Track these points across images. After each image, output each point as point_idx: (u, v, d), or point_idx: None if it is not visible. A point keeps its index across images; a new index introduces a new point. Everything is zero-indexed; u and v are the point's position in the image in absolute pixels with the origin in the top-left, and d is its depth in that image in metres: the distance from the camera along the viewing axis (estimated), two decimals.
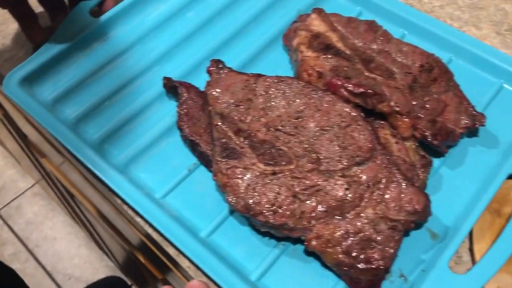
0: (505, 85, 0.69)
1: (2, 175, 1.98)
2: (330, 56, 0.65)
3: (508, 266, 0.55)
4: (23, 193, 1.96)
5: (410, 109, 0.61)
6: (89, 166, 0.61)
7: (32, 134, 0.95)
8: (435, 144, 0.60)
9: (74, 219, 1.69)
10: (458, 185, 0.61)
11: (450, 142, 0.62)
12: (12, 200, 1.93)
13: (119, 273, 1.70)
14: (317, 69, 0.63)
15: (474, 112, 0.63)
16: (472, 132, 0.65)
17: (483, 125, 0.62)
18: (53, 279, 1.76)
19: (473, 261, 0.56)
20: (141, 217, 0.60)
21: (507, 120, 0.66)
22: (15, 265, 1.73)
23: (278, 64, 0.72)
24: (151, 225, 0.59)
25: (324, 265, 0.55)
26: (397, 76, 0.64)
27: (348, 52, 0.66)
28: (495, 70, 0.69)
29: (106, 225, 0.99)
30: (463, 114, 0.63)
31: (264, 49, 0.73)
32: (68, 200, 1.35)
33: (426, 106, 0.62)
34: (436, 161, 0.63)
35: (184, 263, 0.57)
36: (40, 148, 1.04)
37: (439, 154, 0.63)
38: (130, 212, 0.61)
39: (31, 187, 1.97)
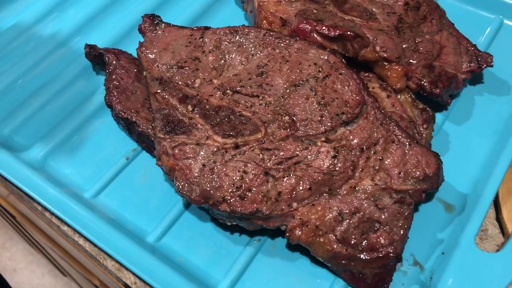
0: (506, 21, 0.57)
1: None
2: (293, 0, 0.52)
3: None
4: None
5: (400, 54, 0.49)
6: None
7: None
8: (436, 94, 0.48)
9: (34, 247, 1.52)
10: (468, 143, 0.49)
11: (453, 90, 0.50)
12: None
13: None
14: (279, 15, 0.50)
15: (478, 52, 0.51)
16: (475, 77, 0.53)
17: (490, 66, 0.50)
18: None
19: (505, 233, 0.43)
20: (68, 224, 0.45)
21: None
22: None
23: (230, 22, 0.58)
24: (82, 235, 0.45)
25: (315, 261, 0.42)
26: (379, 17, 0.52)
27: None
28: (492, 5, 0.58)
29: (61, 253, 0.83)
30: (464, 56, 0.51)
31: (213, 5, 0.60)
32: (22, 231, 1.19)
33: (419, 49, 0.50)
34: (438, 116, 0.50)
35: (129, 279, 0.42)
36: None
37: (440, 107, 0.51)
38: (54, 220, 0.46)
39: None
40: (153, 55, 0.47)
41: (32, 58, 0.55)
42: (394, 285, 0.41)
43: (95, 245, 0.44)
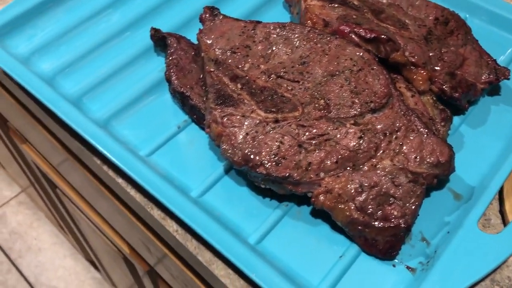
0: None
1: None
2: (336, 5, 0.59)
3: None
4: (7, 202, 1.86)
5: (427, 61, 0.55)
6: (65, 119, 0.53)
7: (16, 118, 0.87)
8: (455, 97, 0.54)
9: (61, 228, 1.60)
10: (481, 144, 0.54)
11: (471, 96, 0.56)
12: None
13: (105, 286, 1.60)
14: (322, 17, 0.57)
15: (497, 66, 0.57)
16: (494, 89, 0.59)
17: (507, 79, 0.56)
18: None
19: (505, 223, 0.49)
20: (123, 176, 0.52)
21: None
22: None
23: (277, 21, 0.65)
24: (134, 185, 0.52)
25: (334, 227, 0.48)
26: (411, 28, 0.58)
27: (356, 2, 0.60)
28: None
29: (97, 220, 0.90)
30: (484, 68, 0.57)
31: (263, 6, 0.67)
32: (57, 208, 1.25)
33: (444, 58, 0.56)
34: (456, 119, 0.56)
35: (171, 227, 0.49)
36: (22, 133, 0.95)
37: (459, 111, 0.57)
38: (111, 173, 0.53)
39: (16, 195, 1.87)
40: (211, 40, 0.55)
41: (102, 37, 0.63)
42: (403, 255, 0.46)
43: (144, 196, 0.51)
